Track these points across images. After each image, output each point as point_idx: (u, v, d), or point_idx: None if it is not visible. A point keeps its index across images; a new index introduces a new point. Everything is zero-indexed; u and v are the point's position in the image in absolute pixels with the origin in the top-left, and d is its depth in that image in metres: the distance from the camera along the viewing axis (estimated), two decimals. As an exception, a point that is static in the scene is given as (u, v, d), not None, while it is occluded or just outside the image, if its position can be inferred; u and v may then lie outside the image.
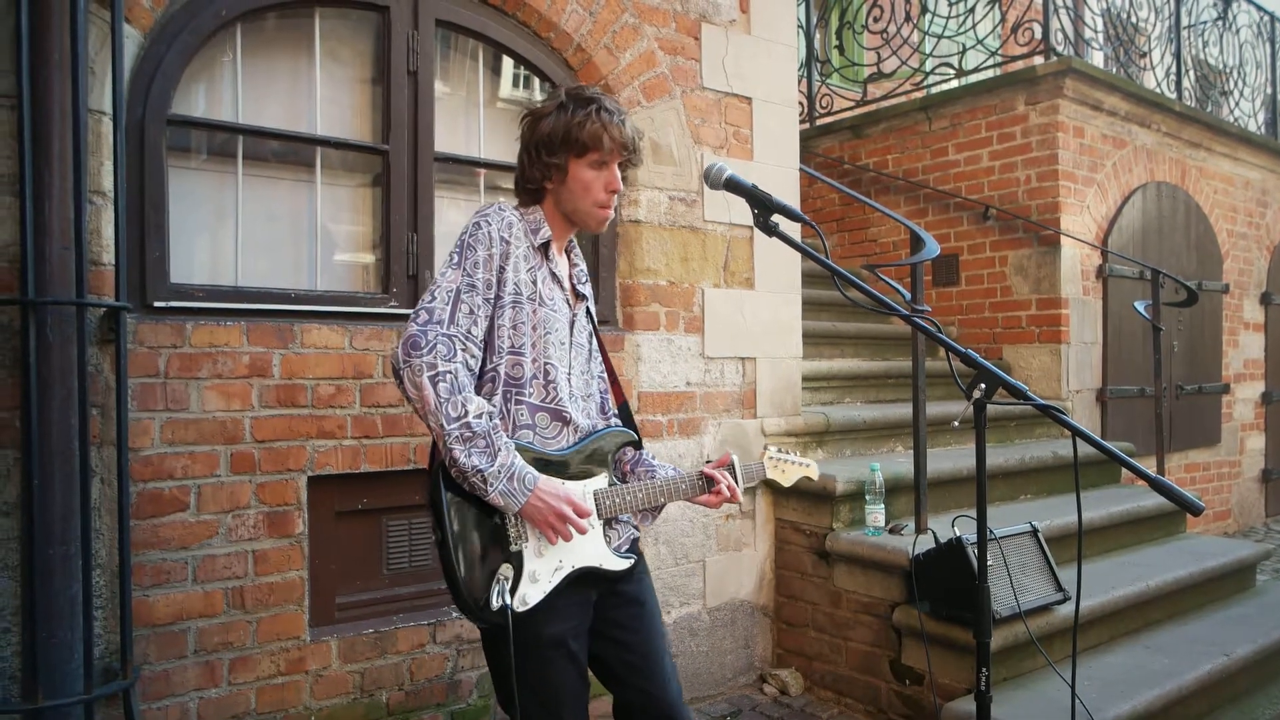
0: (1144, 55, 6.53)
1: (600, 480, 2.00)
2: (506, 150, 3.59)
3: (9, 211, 2.36)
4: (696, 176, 3.78)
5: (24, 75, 2.29)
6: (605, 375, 2.19)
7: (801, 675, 3.89)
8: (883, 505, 3.66)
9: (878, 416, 4.45)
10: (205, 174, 2.98)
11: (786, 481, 2.32)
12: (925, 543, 3.33)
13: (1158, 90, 6.36)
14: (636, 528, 2.15)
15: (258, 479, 2.81)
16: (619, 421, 2.16)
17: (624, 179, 2.05)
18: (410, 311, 3.09)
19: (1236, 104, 7.43)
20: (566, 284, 2.07)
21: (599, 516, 1.98)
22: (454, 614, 3.17)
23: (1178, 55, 6.69)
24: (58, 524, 2.31)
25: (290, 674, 2.86)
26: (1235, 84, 7.45)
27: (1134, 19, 6.40)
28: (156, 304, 2.69)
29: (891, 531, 3.64)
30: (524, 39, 3.47)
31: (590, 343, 2.13)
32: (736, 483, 2.15)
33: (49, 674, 2.29)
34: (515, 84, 3.67)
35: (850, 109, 6.65)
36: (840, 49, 6.95)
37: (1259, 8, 7.64)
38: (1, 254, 2.36)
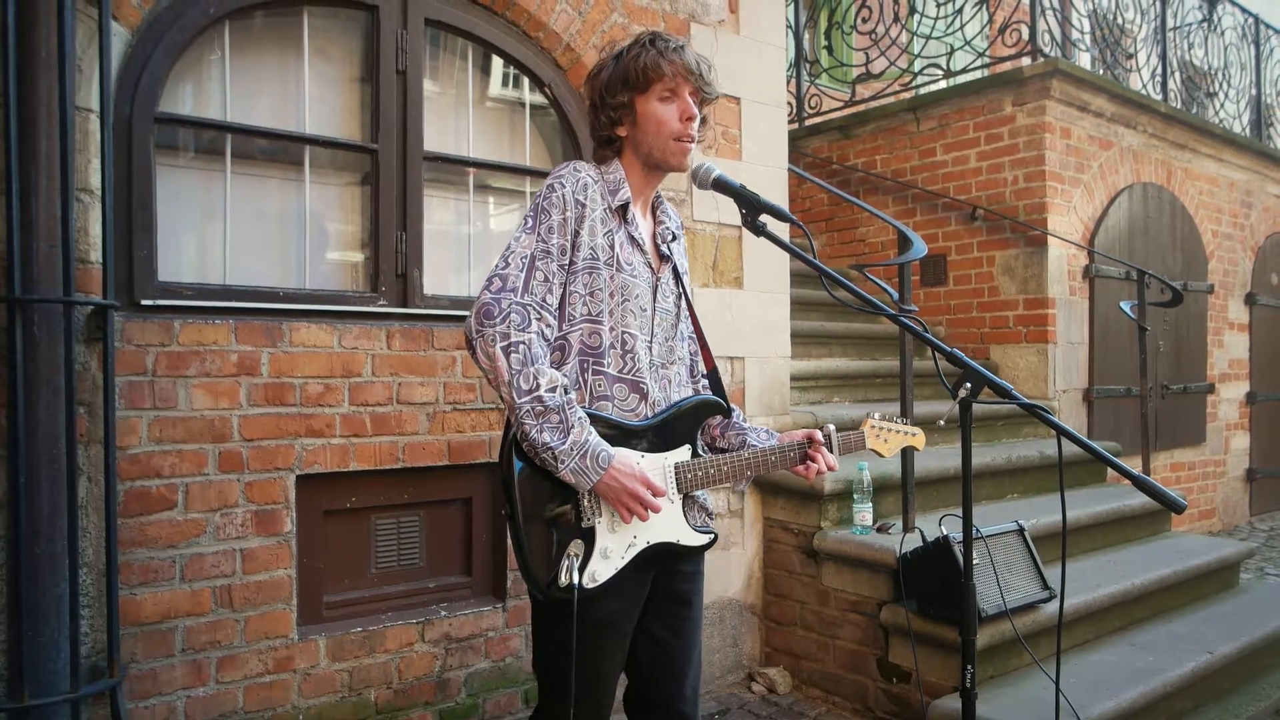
0: (1130, 57, 6.58)
1: (682, 452, 1.91)
2: (496, 149, 3.60)
3: (-5, 209, 2.35)
4: (684, 176, 3.77)
5: (10, 72, 2.29)
6: (695, 337, 2.11)
7: (789, 673, 3.91)
8: (870, 504, 3.68)
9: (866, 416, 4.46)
10: (193, 172, 2.98)
11: (888, 452, 2.17)
12: (912, 541, 3.35)
13: (1144, 92, 6.41)
14: (711, 516, 2.07)
15: (246, 477, 2.80)
16: (707, 385, 2.10)
17: (702, 121, 1.95)
18: (399, 310, 3.13)
19: (1221, 105, 7.49)
20: (648, 246, 1.98)
21: (679, 490, 1.89)
22: (442, 613, 3.18)
23: (1164, 57, 6.74)
24: (44, 522, 2.31)
25: (278, 673, 2.86)
26: (1220, 86, 7.51)
27: (1120, 20, 6.44)
28: (144, 302, 2.68)
29: (879, 530, 3.66)
30: (513, 38, 3.47)
31: (678, 306, 2.03)
32: (832, 452, 2.04)
33: (35, 673, 2.29)
34: (504, 83, 3.67)
35: (839, 109, 6.67)
36: (829, 49, 6.96)
37: (1243, 10, 7.71)
38: (-12, 252, 2.35)
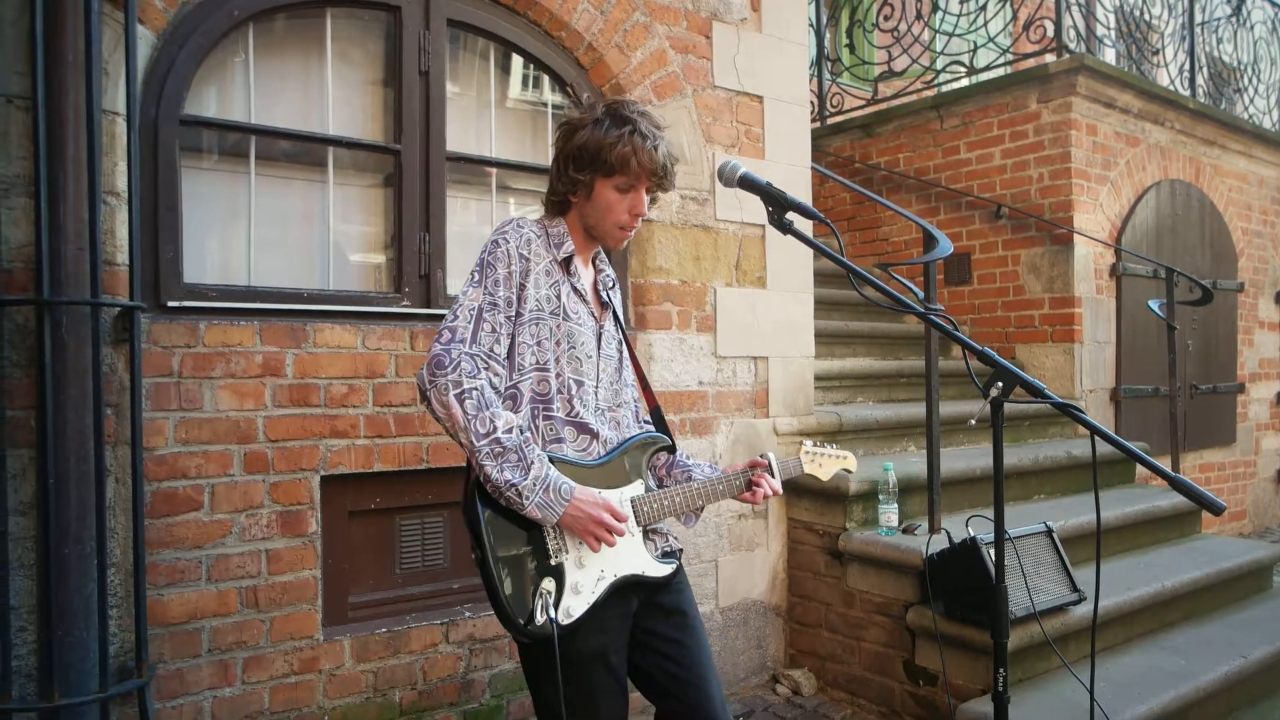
0: (1157, 52, 6.48)
1: (636, 487, 1.99)
2: (518, 150, 3.59)
3: (24, 212, 2.37)
4: (708, 175, 3.76)
5: (38, 76, 2.30)
6: (637, 382, 2.18)
7: (814, 676, 3.88)
8: (896, 505, 3.64)
9: (890, 416, 4.43)
10: (218, 174, 2.99)
11: (825, 475, 2.34)
12: (939, 543, 3.31)
13: (1171, 88, 6.32)
14: (675, 536, 2.14)
15: (271, 478, 2.81)
16: (652, 427, 2.15)
17: (651, 201, 2.03)
18: (422, 311, 3.13)
19: (1251, 101, 7.38)
20: (590, 295, 2.05)
21: (637, 523, 1.96)
22: (466, 613, 3.17)
23: (1191, 52, 6.64)
24: (73, 523, 2.32)
25: (303, 673, 2.87)
26: (1249, 81, 7.39)
27: (1147, 16, 6.35)
28: (170, 304, 2.70)
29: (905, 531, 3.62)
30: (535, 38, 3.47)
31: (620, 351, 2.11)
32: (774, 476, 2.17)
33: (65, 673, 2.30)
34: (526, 84, 3.67)
35: (861, 108, 6.62)
36: (851, 47, 6.92)
37: (1273, 4, 7.59)
38: (17, 254, 2.37)
